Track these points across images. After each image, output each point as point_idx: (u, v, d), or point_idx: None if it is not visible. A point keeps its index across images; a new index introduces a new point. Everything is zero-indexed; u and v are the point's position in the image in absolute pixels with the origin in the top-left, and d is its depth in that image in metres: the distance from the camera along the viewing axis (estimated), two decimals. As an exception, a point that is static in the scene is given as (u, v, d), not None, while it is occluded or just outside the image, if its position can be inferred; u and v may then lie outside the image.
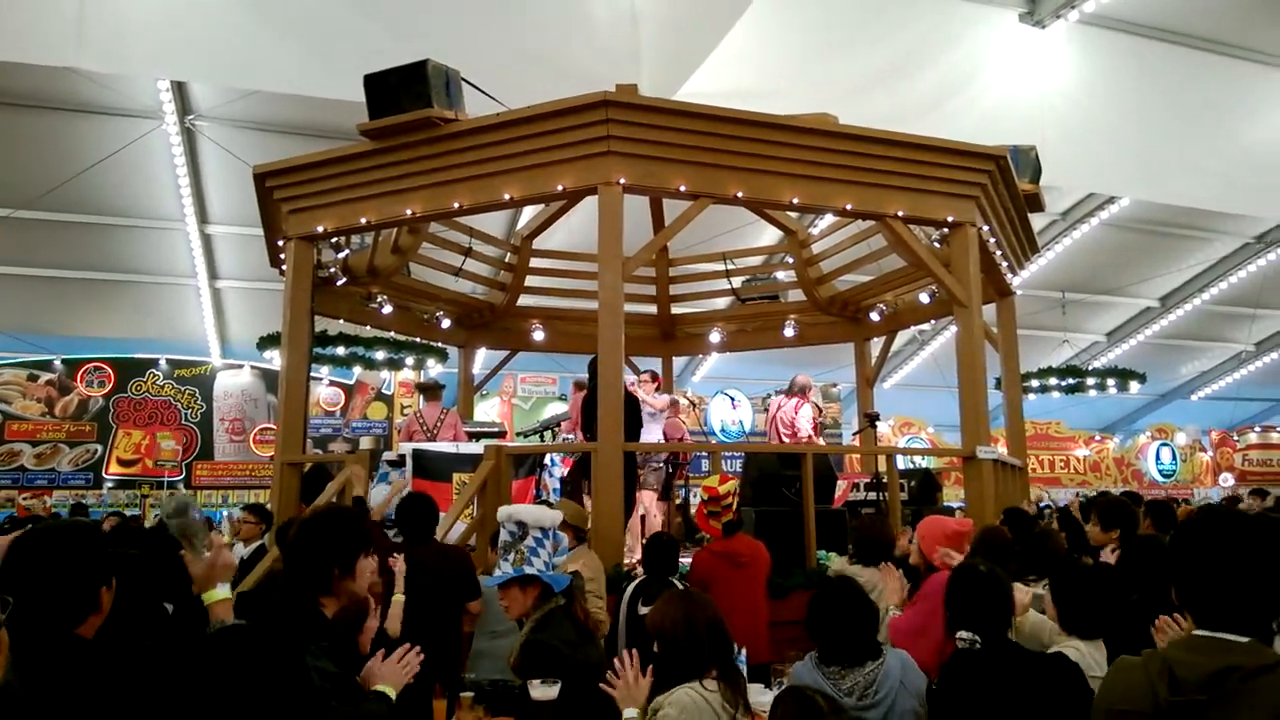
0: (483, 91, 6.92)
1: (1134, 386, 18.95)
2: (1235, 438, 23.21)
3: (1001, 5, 11.07)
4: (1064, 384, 17.82)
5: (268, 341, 11.86)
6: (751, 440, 15.87)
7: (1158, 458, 21.82)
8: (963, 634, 3.12)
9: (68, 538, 2.23)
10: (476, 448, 7.15)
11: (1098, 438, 22.20)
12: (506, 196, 6.57)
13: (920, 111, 9.48)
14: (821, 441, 9.52)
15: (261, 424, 16.88)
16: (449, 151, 6.64)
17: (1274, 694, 1.84)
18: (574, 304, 10.33)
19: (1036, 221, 9.77)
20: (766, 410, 9.79)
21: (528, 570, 3.49)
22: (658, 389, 9.83)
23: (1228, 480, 21.64)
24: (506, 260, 10.13)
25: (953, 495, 11.51)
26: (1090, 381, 17.89)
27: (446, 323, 10.11)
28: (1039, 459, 20.07)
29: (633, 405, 7.26)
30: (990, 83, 11.06)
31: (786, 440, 9.37)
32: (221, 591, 2.89)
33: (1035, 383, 17.52)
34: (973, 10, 10.94)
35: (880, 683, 3.35)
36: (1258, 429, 23.59)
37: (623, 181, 6.24)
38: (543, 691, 3.22)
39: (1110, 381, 18.28)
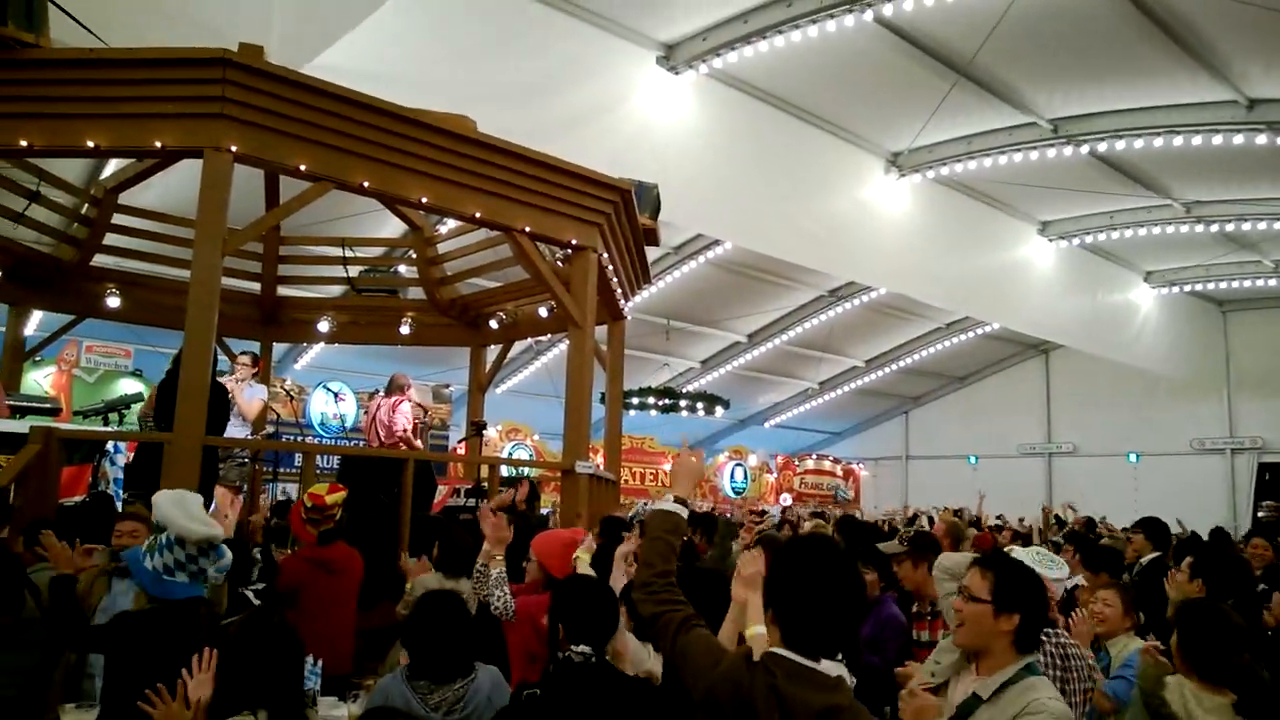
0: (78, 22, 5.98)
1: (719, 411, 21.08)
2: (796, 463, 26.44)
3: (642, 45, 11.66)
4: (661, 403, 19.37)
5: None
6: (351, 437, 15.32)
7: (732, 476, 24.16)
8: (580, 647, 3.17)
9: None
10: (20, 426, 6.17)
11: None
12: (91, 144, 5.71)
13: (555, 133, 9.60)
14: (420, 443, 9.34)
15: None
16: (24, 81, 5.66)
17: None
18: (163, 270, 9.22)
19: (651, 253, 10.38)
20: (367, 411, 9.45)
21: None
22: (257, 375, 9.16)
23: (787, 500, 24.45)
24: (84, 212, 8.76)
25: (550, 501, 11.89)
26: (683, 403, 19.64)
27: (-4, 274, 8.46)
28: (632, 471, 21.34)
29: (220, 395, 6.64)
30: (625, 117, 11.55)
31: (386, 442, 9.11)
32: None
33: (635, 400, 18.87)
34: (616, 45, 11.38)
35: (469, 699, 3.40)
36: (814, 456, 27.14)
37: (235, 149, 5.66)
38: None
39: (700, 405, 20.22)
